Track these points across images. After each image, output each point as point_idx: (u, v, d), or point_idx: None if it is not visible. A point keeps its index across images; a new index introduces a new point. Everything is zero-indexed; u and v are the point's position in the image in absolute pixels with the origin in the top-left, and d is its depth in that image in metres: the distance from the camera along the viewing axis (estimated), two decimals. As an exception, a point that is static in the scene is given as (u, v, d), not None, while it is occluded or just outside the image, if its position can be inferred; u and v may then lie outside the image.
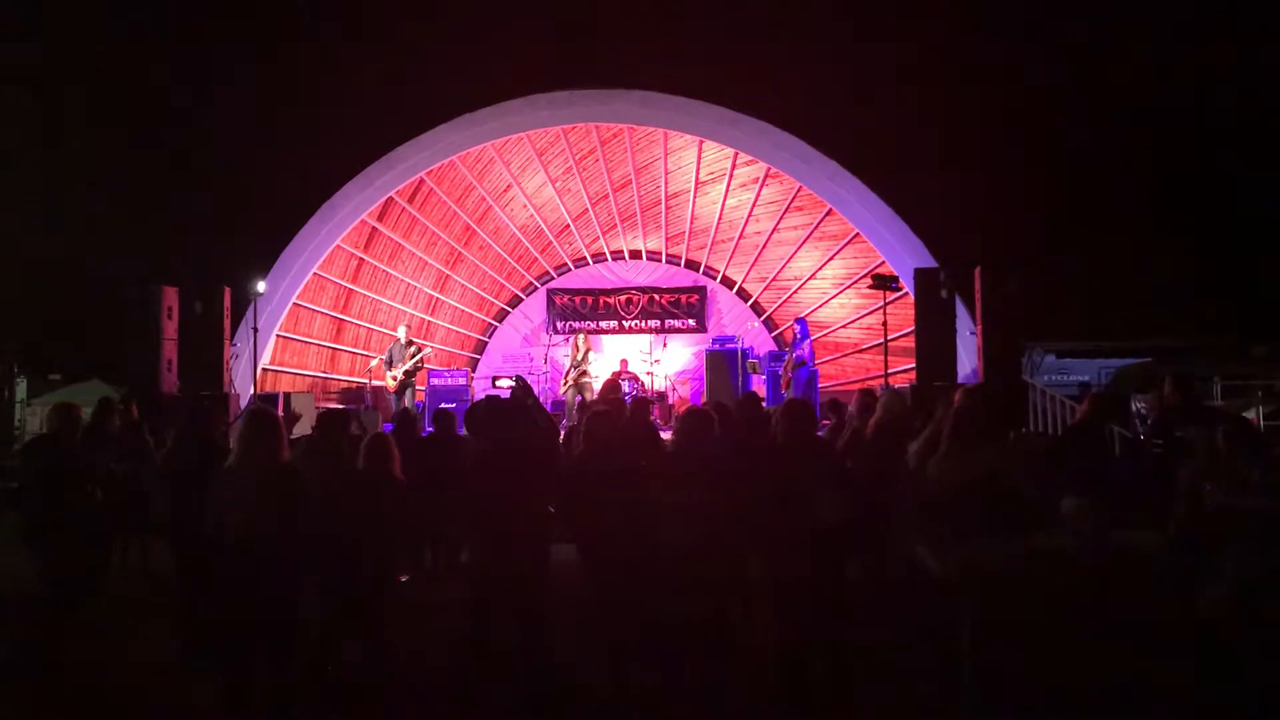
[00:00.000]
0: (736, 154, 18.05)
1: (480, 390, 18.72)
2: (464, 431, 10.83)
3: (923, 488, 5.31)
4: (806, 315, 18.78)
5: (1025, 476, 5.68)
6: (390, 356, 15.98)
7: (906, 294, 14.59)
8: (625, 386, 16.64)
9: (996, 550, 5.01)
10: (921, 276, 12.97)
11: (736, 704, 5.20)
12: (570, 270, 21.76)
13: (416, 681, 5.74)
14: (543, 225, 20.59)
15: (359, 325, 19.52)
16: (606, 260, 21.57)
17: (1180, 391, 7.09)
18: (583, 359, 16.20)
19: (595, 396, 14.10)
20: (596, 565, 5.22)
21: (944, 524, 5.19)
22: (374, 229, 18.56)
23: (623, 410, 7.87)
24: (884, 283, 13.21)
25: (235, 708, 4.75)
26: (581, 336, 16.78)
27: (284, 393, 15.85)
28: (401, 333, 16.28)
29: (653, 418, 8.42)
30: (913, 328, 13.26)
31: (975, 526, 5.05)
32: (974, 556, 5.02)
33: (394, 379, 15.75)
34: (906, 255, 16.19)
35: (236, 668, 4.80)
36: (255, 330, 14.53)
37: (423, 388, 18.27)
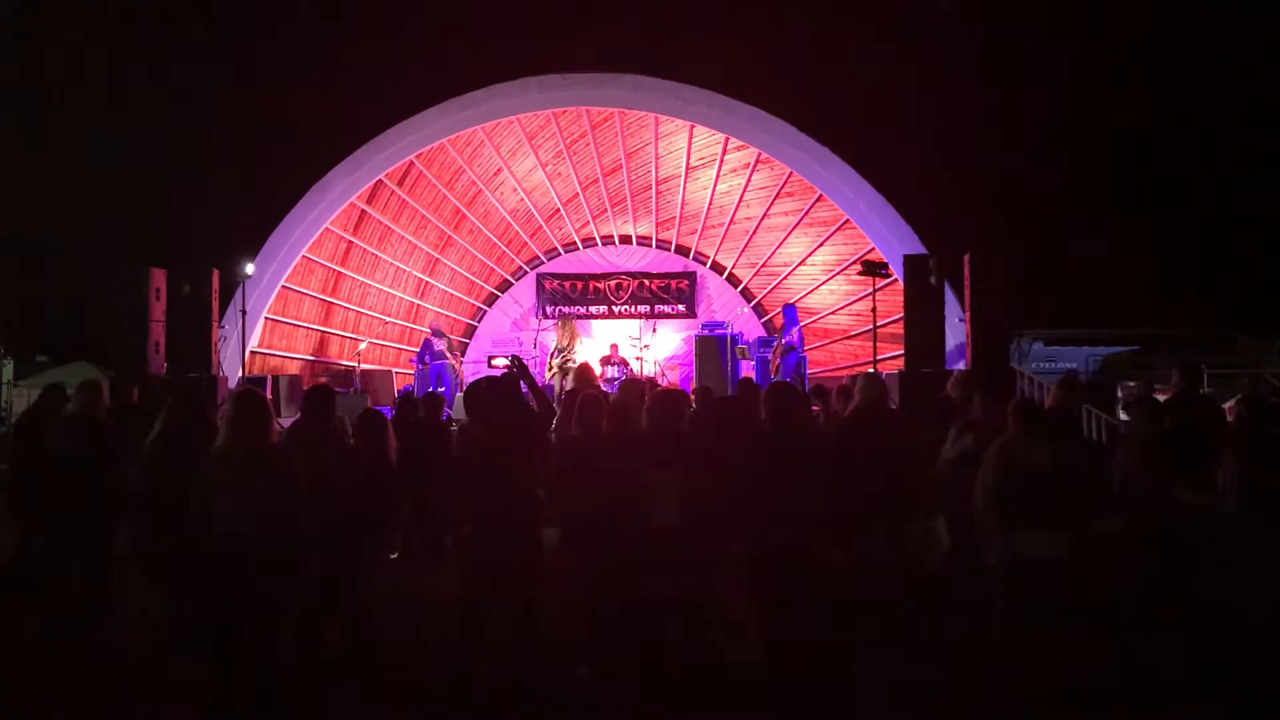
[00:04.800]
0: (727, 139, 18.04)
1: (469, 374, 18.72)
2: (450, 413, 10.86)
3: (982, 475, 5.30)
4: (796, 301, 18.79)
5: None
6: (450, 347, 17.03)
7: (896, 280, 14.61)
8: (614, 372, 16.65)
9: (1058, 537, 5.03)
10: (911, 263, 12.97)
11: (722, 684, 5.23)
12: (560, 255, 21.71)
13: (404, 663, 5.76)
14: (533, 209, 20.54)
15: (348, 308, 19.47)
16: (596, 245, 21.53)
17: (1188, 381, 6.99)
18: (569, 346, 16.11)
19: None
20: (582, 546, 5.23)
21: (1003, 511, 5.18)
22: (363, 212, 18.50)
23: (605, 398, 7.87)
24: (873, 269, 13.22)
25: (223, 688, 4.76)
26: (571, 322, 16.71)
27: (271, 375, 15.83)
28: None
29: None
30: (902, 314, 13.28)
31: (1038, 513, 5.06)
32: (1034, 543, 5.04)
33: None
34: (896, 242, 16.21)
35: (224, 649, 4.80)
36: (243, 313, 14.49)
37: (411, 371, 18.30)
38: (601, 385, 14.03)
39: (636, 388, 6.37)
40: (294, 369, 18.15)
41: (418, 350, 17.68)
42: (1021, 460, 5.17)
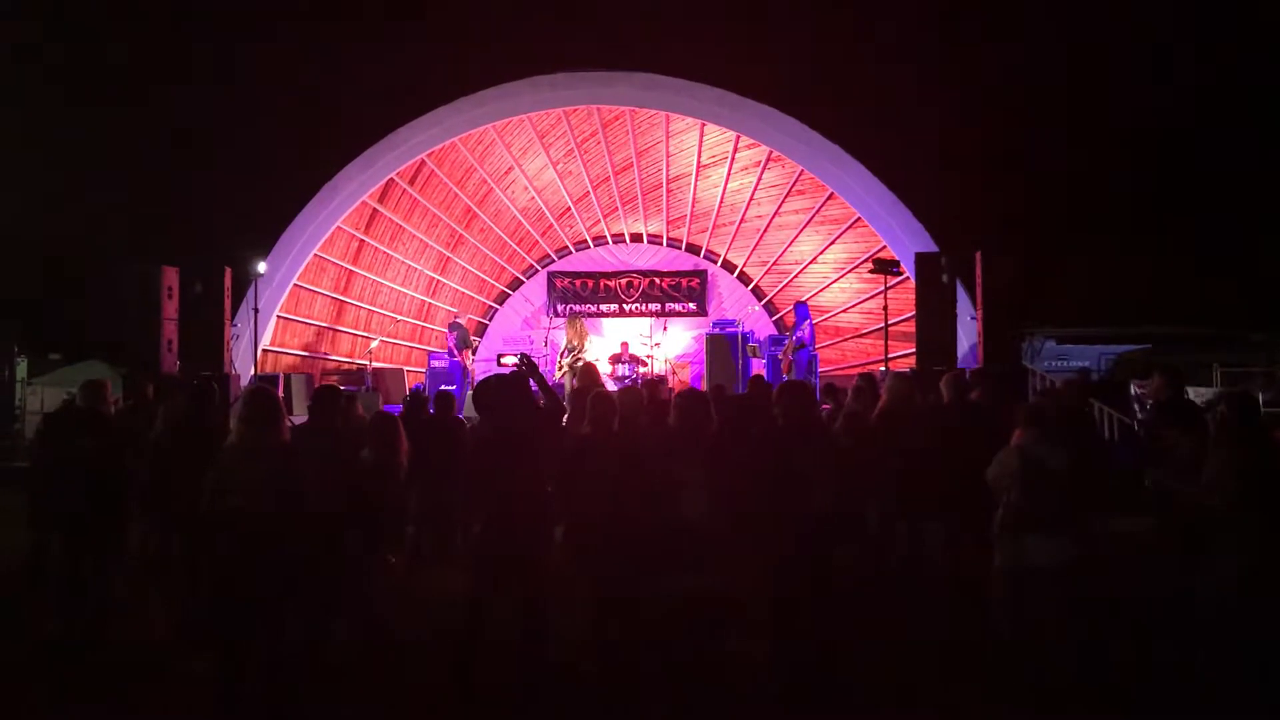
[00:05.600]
0: (738, 137, 18.00)
1: (480, 372, 18.74)
2: (464, 411, 10.87)
3: (1000, 476, 5.29)
4: (807, 299, 18.75)
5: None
6: (462, 340, 16.94)
7: (907, 278, 14.57)
8: (625, 370, 16.65)
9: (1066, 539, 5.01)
10: (922, 261, 12.94)
11: (728, 682, 5.22)
12: (571, 253, 21.71)
13: (411, 661, 5.76)
14: (544, 208, 20.54)
15: (359, 307, 19.51)
16: (607, 243, 21.53)
17: (1170, 385, 6.96)
18: (579, 345, 16.10)
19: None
20: (594, 544, 5.20)
21: (1012, 515, 5.16)
22: (375, 210, 18.52)
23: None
24: (885, 267, 13.19)
25: (230, 683, 4.77)
26: (579, 321, 16.70)
27: (283, 373, 15.87)
28: (465, 319, 17.58)
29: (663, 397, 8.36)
30: (913, 312, 13.25)
31: (1047, 519, 5.04)
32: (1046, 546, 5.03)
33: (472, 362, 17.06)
34: (908, 240, 16.17)
35: (231, 645, 4.81)
36: (256, 311, 14.53)
37: (423, 369, 18.33)
38: (610, 383, 14.05)
39: (634, 397, 6.26)
40: (306, 367, 18.20)
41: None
42: (1032, 465, 5.14)
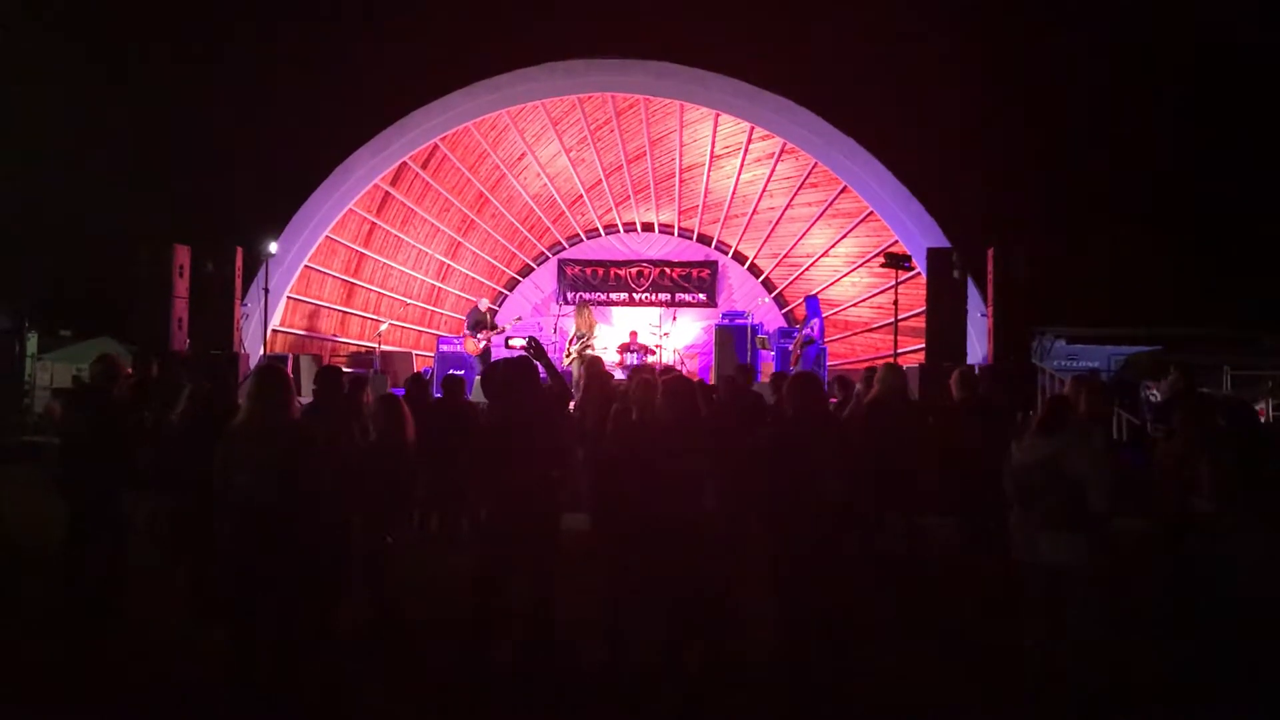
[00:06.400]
0: (752, 128, 17.95)
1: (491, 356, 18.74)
2: (472, 395, 10.87)
3: (1006, 469, 5.28)
4: (818, 293, 18.72)
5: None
6: (473, 323, 16.69)
7: (918, 274, 14.54)
8: (633, 359, 16.63)
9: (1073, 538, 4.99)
10: (934, 256, 12.90)
11: (736, 677, 5.22)
12: (582, 241, 21.70)
13: (421, 642, 5.78)
14: (556, 195, 20.52)
15: (370, 289, 19.52)
16: (619, 232, 21.50)
17: (1184, 380, 7.03)
18: (588, 333, 16.08)
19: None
20: (611, 535, 5.19)
21: (1024, 507, 5.16)
22: (387, 193, 18.52)
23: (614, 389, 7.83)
24: (896, 262, 13.14)
25: (241, 662, 4.78)
26: (588, 309, 16.68)
27: (292, 354, 15.90)
28: (484, 304, 17.26)
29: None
30: (923, 308, 13.21)
31: (1053, 511, 5.03)
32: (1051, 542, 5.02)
33: (478, 344, 16.50)
34: (920, 235, 16.13)
35: (243, 623, 4.82)
36: (266, 291, 14.56)
37: (432, 354, 18.36)
38: (618, 372, 14.05)
39: (648, 386, 6.10)
40: (315, 348, 18.23)
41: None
42: (1046, 464, 5.13)
